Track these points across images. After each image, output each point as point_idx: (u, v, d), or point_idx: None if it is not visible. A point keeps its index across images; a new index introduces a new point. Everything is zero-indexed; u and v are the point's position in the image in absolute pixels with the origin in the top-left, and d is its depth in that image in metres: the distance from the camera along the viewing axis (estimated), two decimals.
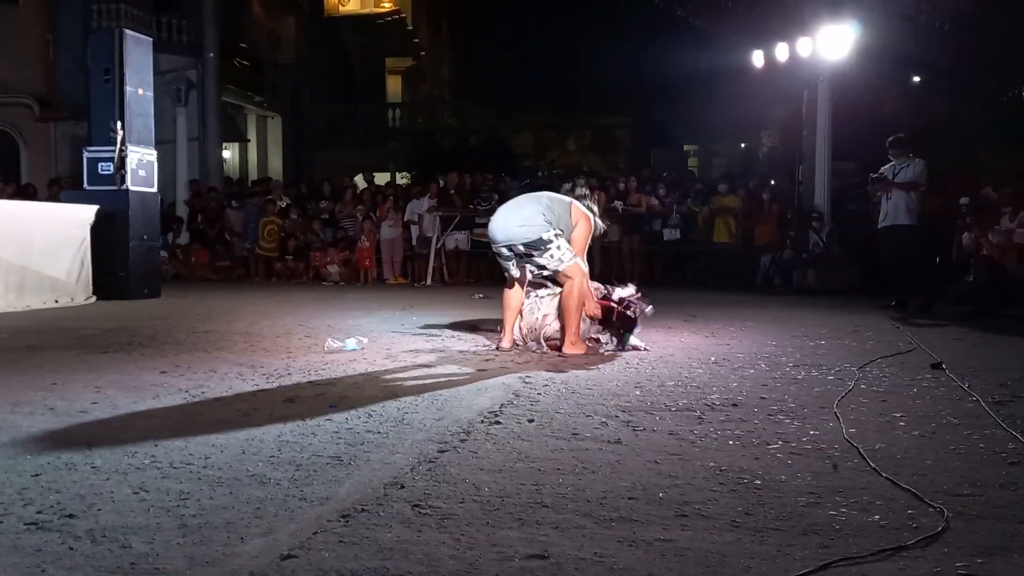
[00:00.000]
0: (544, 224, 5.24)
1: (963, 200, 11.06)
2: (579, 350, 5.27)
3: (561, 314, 5.36)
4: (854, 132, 14.15)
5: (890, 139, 8.93)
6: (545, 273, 5.42)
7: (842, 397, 3.86)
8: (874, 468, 2.68)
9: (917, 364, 4.89)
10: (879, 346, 5.72)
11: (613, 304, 5.47)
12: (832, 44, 11.29)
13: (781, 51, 12.13)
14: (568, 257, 5.25)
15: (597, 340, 5.52)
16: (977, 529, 2.14)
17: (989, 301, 7.85)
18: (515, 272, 5.46)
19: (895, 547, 2.00)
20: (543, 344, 5.45)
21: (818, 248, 11.74)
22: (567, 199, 5.52)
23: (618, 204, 13.08)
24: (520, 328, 5.58)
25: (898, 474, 2.61)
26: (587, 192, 5.93)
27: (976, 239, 8.20)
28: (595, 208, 5.66)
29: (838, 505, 2.33)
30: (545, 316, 5.50)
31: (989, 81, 16.59)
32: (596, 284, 5.71)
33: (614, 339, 5.46)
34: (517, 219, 5.35)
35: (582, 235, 5.41)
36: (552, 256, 5.22)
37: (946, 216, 11.46)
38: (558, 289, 5.54)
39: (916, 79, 18.62)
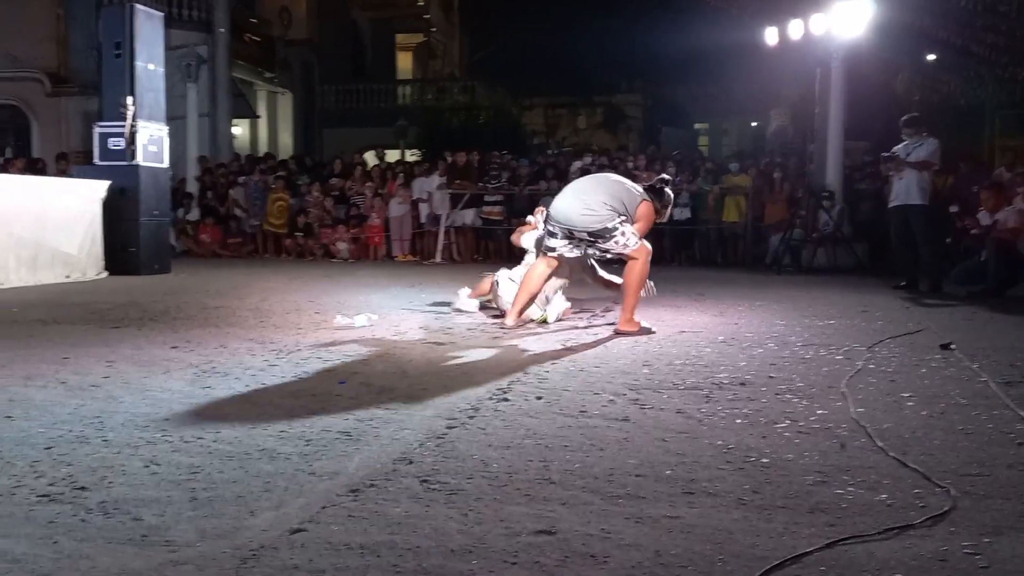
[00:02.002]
0: (609, 213, 5.16)
1: (952, 208, 10.95)
2: (632, 327, 5.23)
3: (623, 291, 5.38)
4: (866, 111, 14.05)
5: (904, 118, 8.85)
6: (608, 256, 5.39)
7: (850, 377, 3.86)
8: (881, 447, 2.68)
9: (926, 344, 4.87)
10: (888, 326, 5.70)
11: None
12: (846, 21, 11.16)
13: (795, 28, 11.99)
14: (634, 241, 5.21)
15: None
16: (984, 509, 2.15)
17: (999, 282, 7.81)
18: (567, 253, 5.37)
19: (902, 526, 2.00)
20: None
21: (828, 227, 11.68)
22: (639, 193, 5.38)
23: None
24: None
25: (905, 453, 2.61)
26: (668, 191, 5.65)
27: (991, 218, 8.14)
28: (671, 195, 5.63)
29: (845, 484, 2.33)
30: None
31: (1002, 60, 16.39)
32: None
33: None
34: (581, 206, 5.23)
35: (641, 227, 5.33)
36: (617, 242, 5.18)
37: (954, 198, 11.39)
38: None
39: (930, 57, 18.42)
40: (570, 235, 5.28)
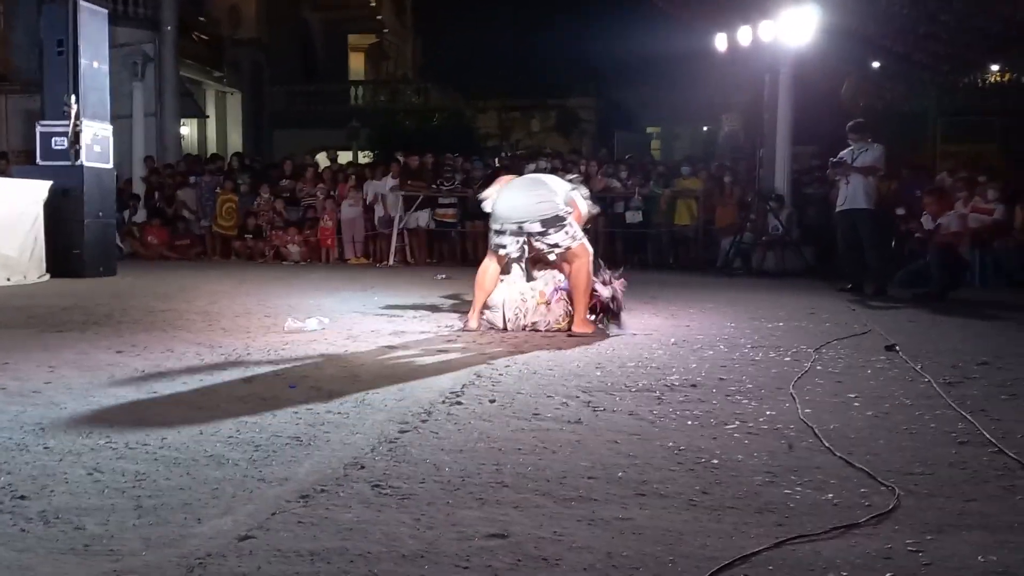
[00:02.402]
0: (559, 203, 5.35)
1: (899, 211, 11.24)
2: (588, 329, 5.30)
3: (573, 293, 5.41)
4: (814, 116, 14.32)
5: (850, 124, 9.04)
6: (557, 251, 5.40)
7: (798, 378, 3.92)
8: (828, 448, 2.73)
9: (871, 346, 4.98)
10: (835, 328, 5.81)
11: (599, 300, 5.50)
12: (794, 28, 11.37)
13: (744, 34, 12.19)
14: (579, 236, 5.36)
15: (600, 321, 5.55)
16: (927, 507, 2.19)
17: (942, 285, 8.01)
18: (514, 252, 5.45)
19: (847, 525, 2.04)
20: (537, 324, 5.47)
21: (777, 231, 11.87)
22: (567, 185, 5.62)
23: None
24: (509, 312, 5.52)
25: (852, 453, 2.66)
26: (579, 183, 5.96)
27: (934, 221, 8.36)
28: (586, 192, 5.83)
29: (793, 484, 2.37)
30: (535, 323, 5.47)
31: (943, 68, 16.85)
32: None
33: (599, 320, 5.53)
34: (535, 197, 5.39)
35: (576, 216, 5.51)
36: (567, 233, 5.32)
37: (899, 202, 11.67)
38: (528, 293, 5.57)
39: (875, 64, 18.85)
40: (519, 231, 5.35)
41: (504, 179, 5.93)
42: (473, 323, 5.45)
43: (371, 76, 30.94)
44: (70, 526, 1.98)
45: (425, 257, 13.43)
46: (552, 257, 5.47)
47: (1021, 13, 12.94)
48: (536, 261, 5.68)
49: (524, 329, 5.41)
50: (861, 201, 8.55)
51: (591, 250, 5.46)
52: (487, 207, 5.67)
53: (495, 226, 5.51)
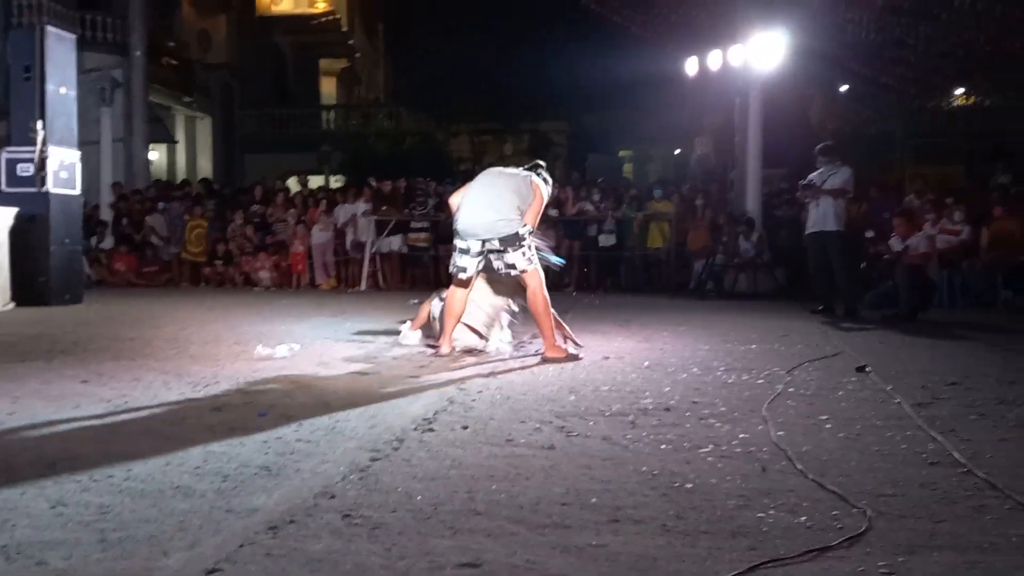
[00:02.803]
0: (519, 219, 5.29)
1: (868, 234, 11.39)
2: (559, 354, 5.26)
3: (536, 320, 5.38)
4: (783, 139, 14.52)
5: (819, 146, 9.16)
6: (513, 273, 5.38)
7: (771, 400, 3.94)
8: (801, 470, 2.73)
9: (843, 368, 5.01)
10: (807, 350, 5.85)
11: None
12: (763, 52, 11.54)
13: (714, 59, 12.35)
14: (535, 260, 5.33)
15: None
16: (899, 528, 2.20)
17: (911, 307, 8.09)
18: (473, 271, 5.39)
19: (820, 547, 2.03)
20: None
21: (749, 253, 11.97)
22: (526, 174, 5.53)
23: (553, 212, 13.15)
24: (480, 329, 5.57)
25: (824, 475, 2.67)
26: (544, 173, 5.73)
27: (903, 244, 8.46)
28: (549, 179, 5.70)
29: (766, 507, 2.37)
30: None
31: (910, 91, 17.17)
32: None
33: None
34: (495, 213, 5.29)
35: (536, 207, 5.41)
36: (524, 255, 5.27)
37: (868, 224, 11.83)
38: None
39: (843, 88, 19.19)
40: (481, 249, 5.33)
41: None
42: (445, 348, 5.42)
43: (343, 100, 30.96)
44: (32, 561, 1.94)
45: (398, 282, 13.38)
46: (512, 272, 5.39)
47: (985, 38, 13.24)
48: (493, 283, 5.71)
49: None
50: (831, 223, 8.64)
51: (542, 276, 5.42)
52: (456, 222, 5.52)
53: (460, 243, 5.42)
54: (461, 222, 5.39)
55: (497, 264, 5.38)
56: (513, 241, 5.25)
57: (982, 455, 2.95)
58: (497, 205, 5.33)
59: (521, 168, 5.71)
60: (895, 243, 8.75)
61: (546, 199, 5.58)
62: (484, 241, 5.30)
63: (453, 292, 5.50)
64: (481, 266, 5.41)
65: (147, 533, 2.12)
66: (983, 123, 19.58)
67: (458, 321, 5.50)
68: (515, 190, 5.39)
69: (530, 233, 5.33)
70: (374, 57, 34.03)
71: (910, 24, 13.38)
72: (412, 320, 6.16)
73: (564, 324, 5.68)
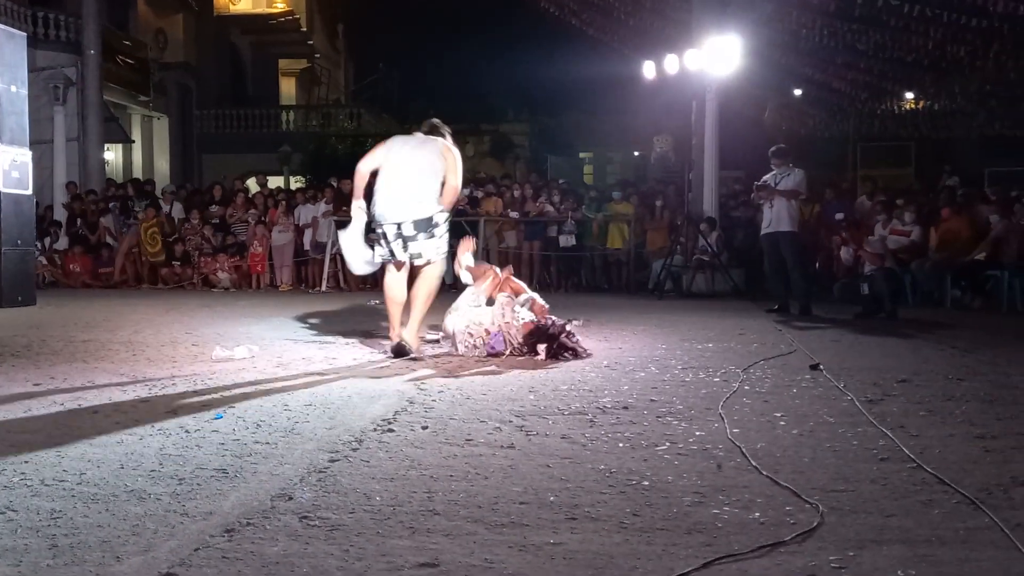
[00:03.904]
0: (437, 201, 5.31)
1: (838, 216, 11.63)
2: (415, 344, 5.35)
3: (413, 302, 5.38)
4: (739, 142, 14.71)
5: (772, 149, 9.30)
6: (418, 262, 5.36)
7: (727, 398, 3.99)
8: (755, 467, 2.77)
9: (797, 365, 5.09)
10: (762, 348, 5.93)
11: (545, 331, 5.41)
12: (718, 57, 11.67)
13: (671, 63, 12.46)
14: (444, 250, 5.38)
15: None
16: (849, 523, 2.25)
17: (892, 309, 8.23)
18: (401, 256, 5.35)
19: (773, 543, 2.07)
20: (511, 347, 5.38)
21: (706, 253, 12.10)
22: (440, 140, 5.50)
23: (514, 213, 13.19)
24: (461, 347, 5.49)
25: (778, 472, 2.71)
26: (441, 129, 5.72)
27: (855, 252, 8.60)
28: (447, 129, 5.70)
29: (721, 504, 2.40)
30: (480, 323, 5.45)
31: (861, 95, 17.50)
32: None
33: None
34: (413, 197, 5.26)
35: (455, 165, 5.42)
36: (433, 243, 5.31)
37: (822, 227, 12.05)
38: (525, 297, 5.63)
39: (797, 92, 19.48)
40: (397, 233, 5.30)
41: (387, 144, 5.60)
42: (395, 337, 5.40)
43: (303, 101, 30.67)
44: None
45: (358, 283, 13.30)
46: (418, 261, 5.37)
47: (932, 44, 13.54)
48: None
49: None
50: (785, 224, 8.79)
51: (443, 269, 5.48)
52: (374, 206, 5.40)
53: (377, 228, 5.37)
54: (379, 207, 5.32)
55: (401, 249, 5.32)
56: (426, 226, 5.26)
57: (931, 450, 3.02)
58: (414, 187, 5.28)
59: (426, 133, 5.63)
60: (846, 254, 8.89)
61: (458, 158, 5.50)
62: (399, 224, 5.27)
63: (391, 279, 5.45)
64: (401, 246, 5.32)
65: (100, 538, 2.09)
66: (931, 126, 20.01)
67: (400, 307, 5.46)
68: (431, 167, 5.34)
69: (445, 220, 5.33)
70: (334, 58, 33.76)
71: (861, 30, 13.65)
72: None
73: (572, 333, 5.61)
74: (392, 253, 5.36)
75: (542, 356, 5.25)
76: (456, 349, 5.49)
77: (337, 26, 33.06)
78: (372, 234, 5.47)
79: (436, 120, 5.76)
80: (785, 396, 4.11)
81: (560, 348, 5.32)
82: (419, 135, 5.66)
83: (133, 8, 22.53)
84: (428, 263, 5.35)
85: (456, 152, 5.50)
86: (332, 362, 5.18)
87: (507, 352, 5.33)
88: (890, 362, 5.35)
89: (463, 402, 3.90)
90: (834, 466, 2.82)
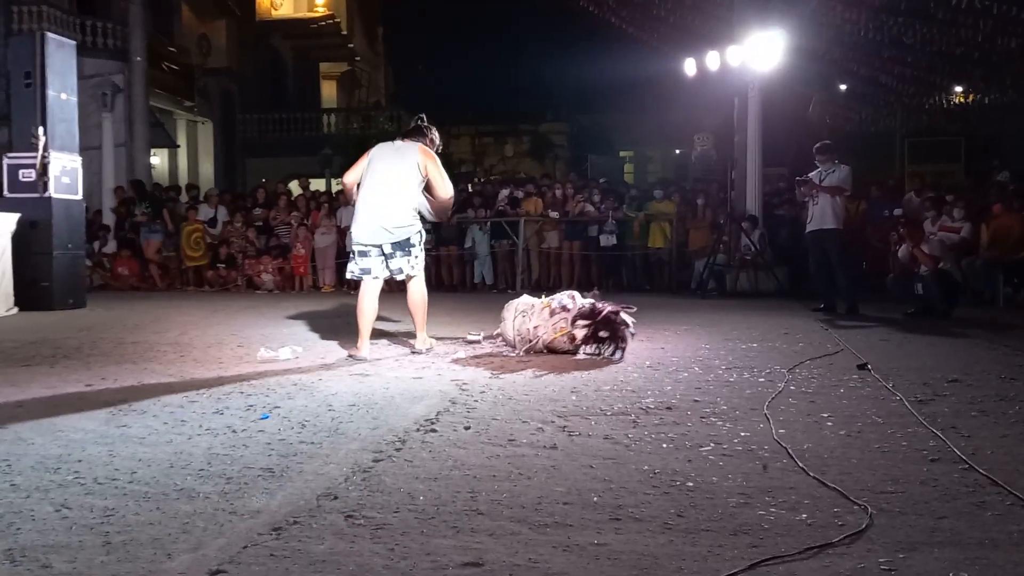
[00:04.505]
0: (414, 220, 5.49)
1: (896, 211, 11.42)
2: (428, 345, 5.70)
3: (412, 312, 5.71)
4: (782, 138, 14.52)
5: (817, 145, 9.16)
6: (399, 277, 5.59)
7: (772, 399, 3.94)
8: (802, 468, 2.74)
9: (844, 365, 5.02)
10: (808, 348, 5.85)
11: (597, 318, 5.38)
12: (760, 52, 11.53)
13: (712, 59, 12.34)
14: (421, 262, 5.63)
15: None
16: (899, 525, 2.21)
17: (944, 310, 8.07)
18: (382, 274, 5.55)
19: (821, 545, 2.04)
20: (539, 348, 5.43)
21: (750, 252, 11.97)
22: (417, 145, 5.60)
23: (554, 213, 13.18)
24: (514, 331, 5.54)
25: (825, 473, 2.67)
26: (428, 129, 5.84)
27: (910, 252, 8.43)
28: (433, 128, 5.83)
29: (767, 505, 2.37)
30: (536, 327, 5.46)
31: (908, 89, 17.18)
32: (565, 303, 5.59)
33: (610, 347, 5.35)
34: (393, 217, 5.41)
35: (437, 172, 5.53)
36: (410, 261, 5.51)
37: (868, 224, 11.85)
38: (537, 301, 5.63)
39: (842, 87, 19.19)
40: (379, 252, 5.48)
41: (370, 150, 5.76)
42: (364, 352, 5.40)
43: (343, 104, 30.98)
44: (37, 564, 1.95)
45: (399, 284, 13.38)
46: (399, 277, 5.58)
47: (981, 37, 13.25)
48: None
49: (532, 347, 5.40)
50: (829, 221, 8.66)
51: (423, 274, 5.71)
52: (353, 225, 5.58)
53: (357, 247, 5.53)
54: (357, 230, 5.50)
55: (383, 268, 5.51)
56: (404, 246, 5.46)
57: (983, 452, 2.95)
58: (392, 206, 5.42)
59: (403, 137, 5.81)
60: (903, 253, 8.71)
61: (437, 160, 5.60)
62: (380, 247, 5.46)
63: (364, 292, 5.56)
64: (381, 263, 5.51)
65: (151, 536, 2.13)
66: (980, 121, 19.57)
67: (371, 323, 5.58)
68: (407, 179, 5.45)
69: (421, 236, 5.54)
70: (374, 60, 34.05)
71: (907, 23, 13.39)
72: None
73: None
74: (370, 270, 5.51)
75: (580, 339, 5.31)
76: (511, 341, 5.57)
77: (377, 28, 33.34)
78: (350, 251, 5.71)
79: (422, 119, 5.88)
80: (832, 396, 4.05)
81: (604, 325, 5.31)
82: (398, 142, 5.79)
83: (177, 15, 22.92)
84: (409, 278, 5.59)
85: (434, 154, 5.62)
86: (374, 362, 5.22)
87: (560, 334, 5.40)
88: (940, 362, 5.25)
89: (505, 402, 3.90)
90: (883, 467, 2.78)
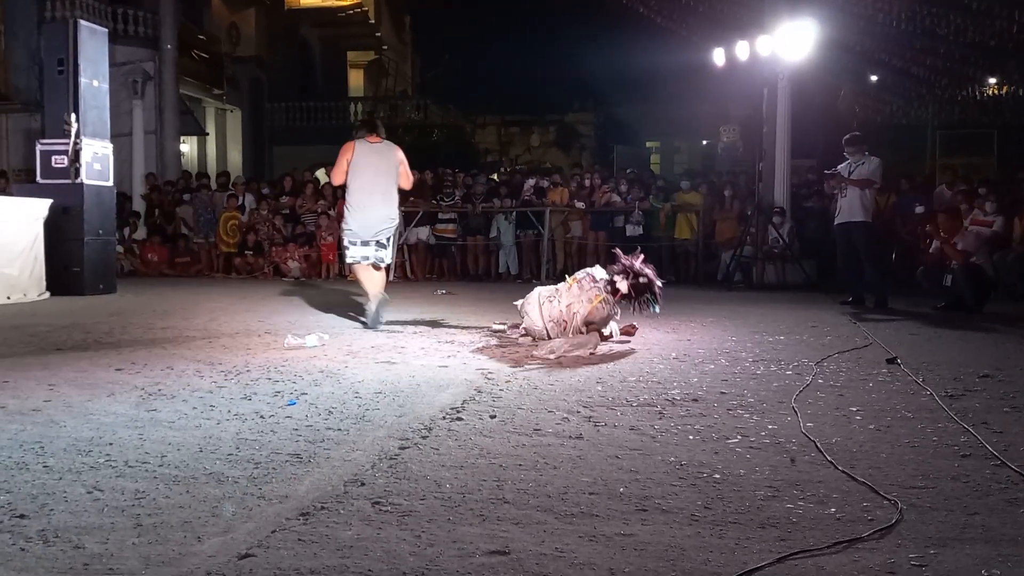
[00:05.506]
0: (398, 212, 6.67)
1: (918, 209, 11.26)
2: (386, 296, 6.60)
3: (379, 283, 6.51)
4: (811, 130, 14.36)
5: (846, 137, 9.05)
6: (382, 264, 6.50)
7: (800, 392, 3.91)
8: (830, 461, 2.72)
9: (873, 359, 4.97)
10: (836, 341, 5.80)
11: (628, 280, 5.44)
12: (791, 43, 11.40)
13: (741, 49, 12.22)
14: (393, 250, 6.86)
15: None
16: (930, 520, 2.19)
17: (973, 305, 7.97)
18: (372, 254, 6.40)
19: (850, 539, 2.03)
20: (578, 330, 5.36)
21: (778, 244, 11.87)
22: (393, 146, 6.67)
23: (580, 203, 13.14)
24: (544, 319, 5.46)
25: (854, 467, 2.65)
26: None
27: (941, 247, 8.31)
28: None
29: (795, 498, 2.36)
30: (569, 305, 5.39)
31: (941, 81, 16.92)
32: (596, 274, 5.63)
33: (641, 307, 5.53)
34: (382, 215, 6.40)
35: (406, 169, 6.60)
36: (390, 251, 6.57)
37: (897, 217, 11.71)
38: (559, 284, 5.65)
39: (872, 78, 18.95)
40: (378, 243, 6.42)
41: (351, 151, 6.49)
42: (374, 297, 6.40)
43: (370, 92, 31.03)
44: (69, 545, 1.97)
45: (425, 272, 13.43)
46: (381, 264, 6.49)
47: (1017, 27, 13.01)
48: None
49: (570, 327, 5.34)
50: (858, 214, 8.56)
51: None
52: (350, 222, 6.45)
53: (350, 238, 6.43)
54: (355, 224, 6.40)
55: (376, 255, 6.43)
56: (390, 238, 6.53)
57: (1015, 447, 2.92)
58: (383, 204, 6.41)
59: (373, 136, 6.60)
60: (935, 247, 8.59)
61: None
62: (376, 240, 6.39)
63: (362, 271, 6.48)
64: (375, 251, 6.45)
65: (181, 519, 2.15)
66: (1014, 113, 19.24)
67: (371, 283, 6.44)
68: (393, 178, 6.49)
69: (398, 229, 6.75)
70: (401, 49, 34.05)
71: (940, 14, 13.18)
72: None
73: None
74: (368, 257, 6.45)
75: (623, 291, 5.45)
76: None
77: (404, 17, 33.33)
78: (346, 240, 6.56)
79: (374, 114, 6.78)
80: (861, 390, 4.01)
81: (642, 274, 5.52)
82: (375, 142, 6.57)
83: (207, 4, 23.07)
84: (385, 264, 6.60)
85: (401, 154, 6.65)
86: (400, 350, 5.24)
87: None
88: (971, 357, 5.17)
89: (530, 392, 3.91)
90: (913, 462, 2.75)
